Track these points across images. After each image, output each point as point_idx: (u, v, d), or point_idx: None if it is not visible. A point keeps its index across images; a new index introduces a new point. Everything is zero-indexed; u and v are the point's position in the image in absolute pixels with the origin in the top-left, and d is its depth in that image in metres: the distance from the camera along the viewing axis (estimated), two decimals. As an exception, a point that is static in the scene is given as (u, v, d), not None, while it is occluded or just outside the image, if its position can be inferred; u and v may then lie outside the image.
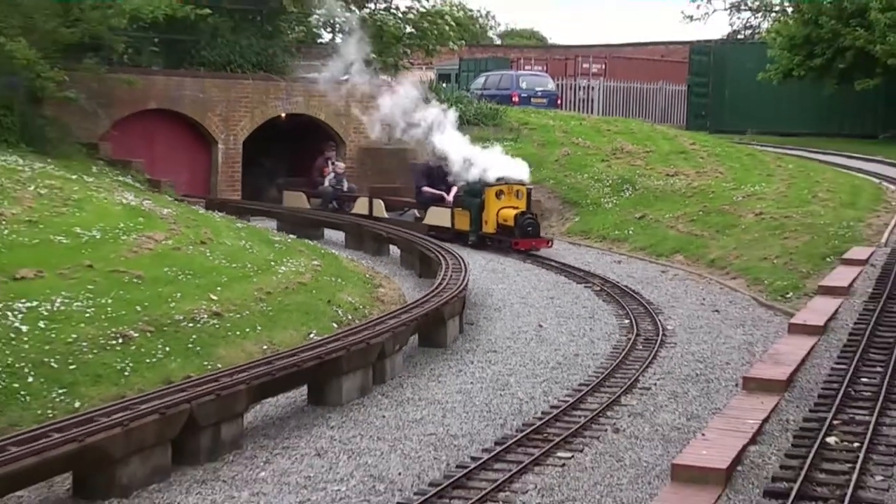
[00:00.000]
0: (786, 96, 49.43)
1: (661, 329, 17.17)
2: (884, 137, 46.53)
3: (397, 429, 12.32)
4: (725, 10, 64.55)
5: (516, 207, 25.48)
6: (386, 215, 28.68)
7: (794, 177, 30.80)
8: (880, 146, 43.65)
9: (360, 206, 29.59)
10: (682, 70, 54.62)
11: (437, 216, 27.35)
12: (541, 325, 17.70)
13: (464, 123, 33.93)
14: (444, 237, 25.71)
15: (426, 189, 28.25)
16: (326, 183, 31.02)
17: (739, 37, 64.99)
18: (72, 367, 12.14)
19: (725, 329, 17.27)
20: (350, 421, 12.62)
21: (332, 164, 31.49)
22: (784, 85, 47.40)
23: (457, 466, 10.95)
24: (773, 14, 60.10)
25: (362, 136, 32.73)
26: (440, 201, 27.77)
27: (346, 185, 31.00)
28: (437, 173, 28.11)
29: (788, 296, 19.12)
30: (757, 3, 63.95)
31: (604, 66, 54.07)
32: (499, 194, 25.56)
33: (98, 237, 16.77)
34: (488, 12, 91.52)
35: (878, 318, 16.17)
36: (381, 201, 29.10)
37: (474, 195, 26.11)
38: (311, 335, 15.22)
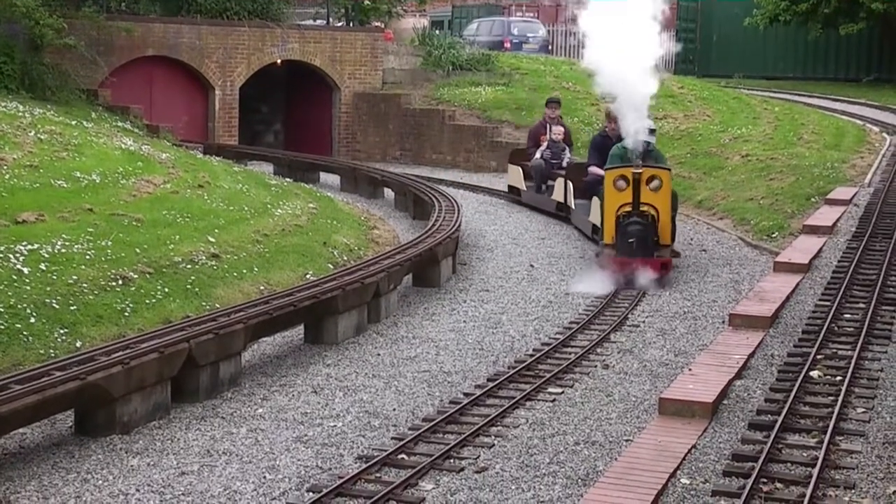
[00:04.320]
0: (772, 41, 49.26)
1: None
2: (867, 81, 46.47)
3: (392, 366, 12.32)
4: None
5: (647, 206, 16.33)
6: (573, 206, 20.72)
7: (780, 119, 30.73)
8: (864, 89, 43.60)
9: (558, 189, 21.62)
10: (669, 16, 54.29)
11: (598, 212, 17.64)
12: (532, 265, 17.67)
13: (457, 69, 33.88)
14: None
15: (592, 170, 19.45)
16: (538, 155, 22.67)
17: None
18: (73, 307, 12.12)
19: (712, 268, 17.25)
20: (346, 359, 12.62)
21: (550, 128, 22.94)
22: (770, 30, 47.23)
23: (450, 402, 10.95)
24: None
25: (357, 81, 32.58)
26: None
27: (566, 158, 22.41)
28: (612, 144, 18.51)
29: (774, 235, 19.09)
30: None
31: (594, 13, 53.71)
32: (619, 183, 16.40)
33: (98, 181, 16.73)
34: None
35: (860, 256, 16.19)
36: (571, 184, 20.83)
37: (599, 184, 17.76)
38: (308, 276, 15.20)
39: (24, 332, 11.32)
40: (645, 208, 16.26)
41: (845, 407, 10.24)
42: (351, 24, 35.82)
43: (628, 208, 16.24)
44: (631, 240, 15.91)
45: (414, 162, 30.71)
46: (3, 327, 11.24)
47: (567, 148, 22.78)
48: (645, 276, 15.72)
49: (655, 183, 16.47)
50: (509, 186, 24.69)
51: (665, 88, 33.39)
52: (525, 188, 23.46)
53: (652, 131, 17.61)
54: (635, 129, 16.88)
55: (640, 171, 16.33)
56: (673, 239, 17.20)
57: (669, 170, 17.32)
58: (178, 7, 31.64)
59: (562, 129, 22.97)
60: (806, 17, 45.29)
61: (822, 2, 44.36)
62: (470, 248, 18.86)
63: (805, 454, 9.18)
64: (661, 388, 10.96)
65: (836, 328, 12.81)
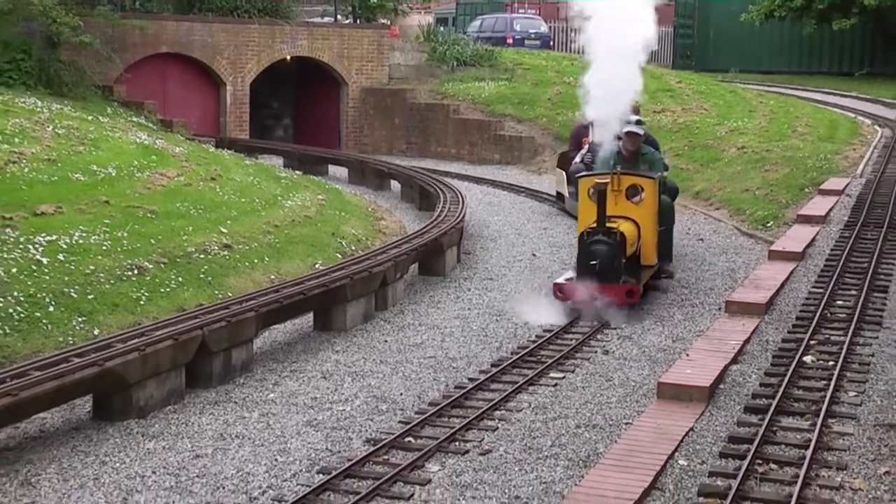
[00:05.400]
0: (767, 36, 49.20)
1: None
2: (860, 75, 46.44)
3: (399, 352, 12.34)
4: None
5: (623, 221, 13.96)
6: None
7: (775, 112, 30.70)
8: (856, 83, 43.57)
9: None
10: (668, 12, 54.21)
11: None
12: (534, 255, 17.67)
13: (461, 64, 33.86)
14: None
15: None
16: (579, 158, 19.50)
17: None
18: (90, 296, 12.15)
19: (709, 256, 17.26)
20: (354, 345, 12.64)
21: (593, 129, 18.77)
22: (766, 25, 47.23)
23: (455, 387, 10.97)
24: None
25: (364, 76, 32.58)
26: None
27: None
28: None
29: (769, 225, 19.10)
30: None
31: (594, 9, 53.63)
32: (596, 194, 13.67)
33: (114, 174, 16.75)
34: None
35: (852, 244, 16.20)
36: None
37: None
38: (317, 265, 15.22)
39: (44, 321, 11.36)
40: (615, 224, 13.68)
41: (838, 391, 10.26)
42: (358, 22, 35.78)
43: (591, 225, 13.64)
44: (593, 262, 13.28)
45: (419, 155, 30.71)
46: (23, 316, 11.28)
47: None
48: (607, 305, 13.27)
49: (636, 194, 14.22)
50: (557, 193, 22.28)
51: (663, 83, 33.51)
52: (568, 194, 20.86)
53: (638, 122, 14.99)
54: (609, 123, 14.54)
55: (607, 180, 13.84)
56: (667, 258, 15.32)
57: (654, 178, 14.44)
58: (190, 5, 31.63)
59: None
60: (800, 12, 45.28)
61: (816, -3, 44.40)
62: (474, 238, 18.87)
63: (799, 436, 9.20)
64: (660, 372, 10.98)
65: (828, 314, 12.82)
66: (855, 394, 10.27)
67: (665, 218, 15.00)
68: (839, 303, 13.36)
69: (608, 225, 13.55)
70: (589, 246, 13.43)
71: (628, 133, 14.81)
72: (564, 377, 11.23)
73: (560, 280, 13.89)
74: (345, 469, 8.67)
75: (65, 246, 13.12)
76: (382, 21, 36.06)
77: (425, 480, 8.56)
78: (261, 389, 11.00)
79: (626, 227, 13.86)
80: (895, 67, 46.01)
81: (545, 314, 13.60)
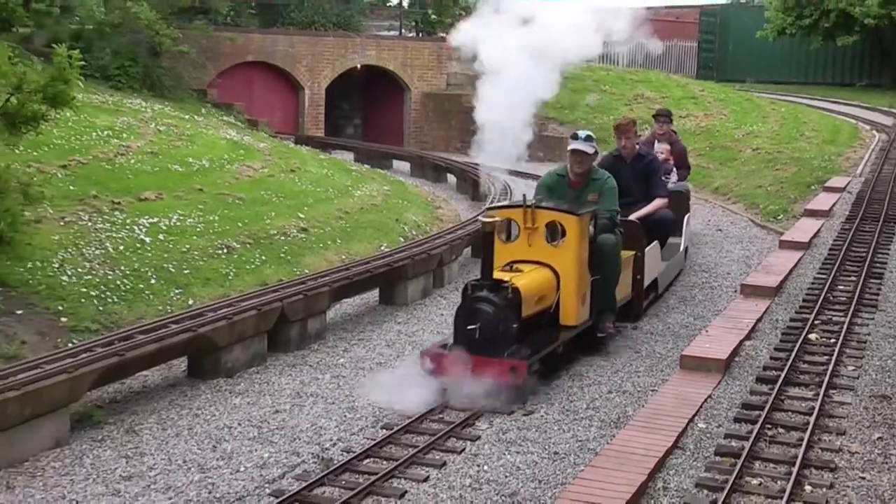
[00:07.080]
0: (779, 50, 48.83)
1: (671, 244, 16.86)
2: (860, 86, 45.97)
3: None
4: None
5: (533, 268, 9.83)
6: (661, 266, 13.04)
7: (786, 118, 30.39)
8: (857, 93, 43.12)
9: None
10: (692, 29, 53.79)
11: None
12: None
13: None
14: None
15: None
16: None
17: (742, 0, 63.98)
18: (186, 271, 12.23)
19: (727, 245, 17.10)
20: (414, 318, 12.64)
21: (655, 146, 15.40)
22: (778, 41, 46.86)
23: (502, 355, 10.90)
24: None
25: (425, 82, 32.52)
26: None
27: (671, 181, 14.88)
28: (626, 167, 12.54)
29: (779, 217, 18.90)
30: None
31: (626, 26, 53.32)
32: (507, 234, 10.22)
33: (207, 166, 16.83)
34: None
35: (853, 235, 16.03)
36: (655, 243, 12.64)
37: None
38: (382, 247, 15.23)
39: (146, 292, 11.45)
40: (509, 276, 9.42)
41: (838, 365, 10.15)
42: (420, 35, 35.75)
43: (502, 273, 9.50)
44: (472, 326, 9.01)
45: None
46: (129, 287, 11.38)
47: (674, 170, 15.45)
48: (484, 383, 8.94)
49: (555, 235, 9.97)
50: None
51: (688, 91, 33.25)
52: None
53: (587, 138, 10.77)
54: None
55: (492, 219, 9.33)
56: (609, 313, 10.86)
57: (580, 215, 9.97)
58: (273, 20, 31.75)
59: (667, 146, 15.54)
60: (809, 30, 44.94)
61: (822, 17, 44.01)
62: (519, 226, 18.75)
63: (804, 405, 9.11)
64: (682, 346, 10.89)
65: (831, 297, 12.68)
66: (853, 368, 10.15)
67: (604, 264, 10.54)
68: (840, 287, 13.21)
69: (497, 277, 9.36)
70: (469, 304, 9.19)
71: (572, 151, 10.70)
72: (599, 349, 11.16)
73: (431, 348, 9.44)
74: (405, 425, 8.68)
75: (164, 227, 13.22)
76: (441, 35, 36.00)
77: (475, 437, 8.55)
78: (332, 355, 11.03)
79: (529, 279, 9.63)
80: (891, 79, 45.55)
81: (408, 396, 9.16)
